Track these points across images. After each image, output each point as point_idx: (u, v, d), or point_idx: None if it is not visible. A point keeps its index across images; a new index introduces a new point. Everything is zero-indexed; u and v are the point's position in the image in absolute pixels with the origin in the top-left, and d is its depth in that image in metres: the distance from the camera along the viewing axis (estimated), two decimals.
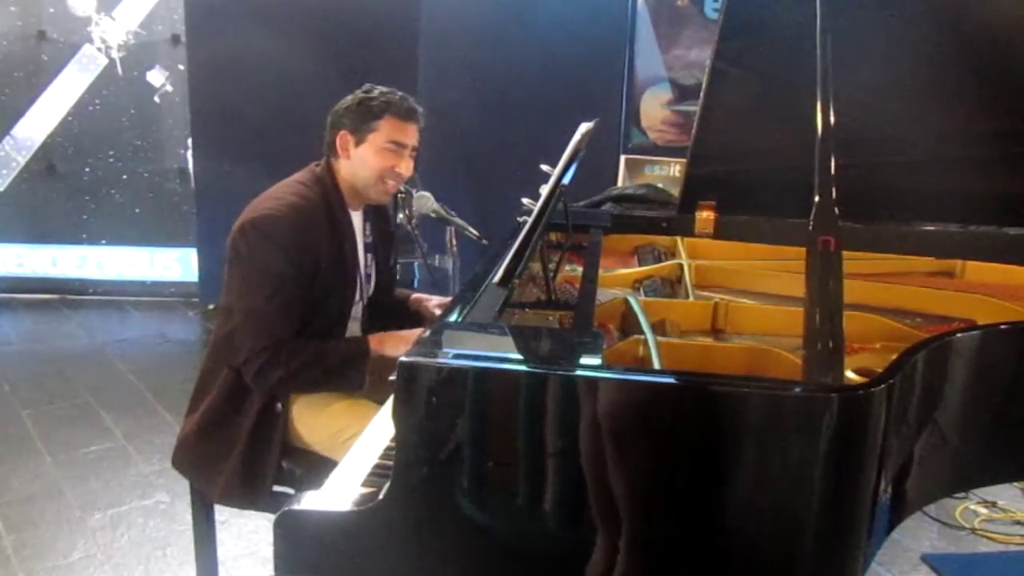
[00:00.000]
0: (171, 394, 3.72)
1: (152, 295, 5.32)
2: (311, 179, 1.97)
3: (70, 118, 5.08)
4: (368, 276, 2.09)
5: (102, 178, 5.18)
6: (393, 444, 1.26)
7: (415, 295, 2.29)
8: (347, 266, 1.97)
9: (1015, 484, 3.00)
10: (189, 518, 2.12)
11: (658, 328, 1.66)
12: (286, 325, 1.85)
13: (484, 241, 2.35)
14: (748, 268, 2.15)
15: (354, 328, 2.06)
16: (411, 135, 1.97)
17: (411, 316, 2.21)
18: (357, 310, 2.06)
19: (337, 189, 1.97)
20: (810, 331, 1.30)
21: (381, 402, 1.87)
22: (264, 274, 1.84)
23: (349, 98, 1.96)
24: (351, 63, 4.22)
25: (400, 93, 1.96)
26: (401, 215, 2.35)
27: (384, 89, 1.96)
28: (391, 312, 2.18)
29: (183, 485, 2.09)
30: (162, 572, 2.48)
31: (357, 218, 2.04)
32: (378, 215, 2.14)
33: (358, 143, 1.93)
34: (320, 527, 1.26)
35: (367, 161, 1.94)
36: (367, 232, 2.09)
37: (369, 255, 2.10)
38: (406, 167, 1.97)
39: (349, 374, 1.87)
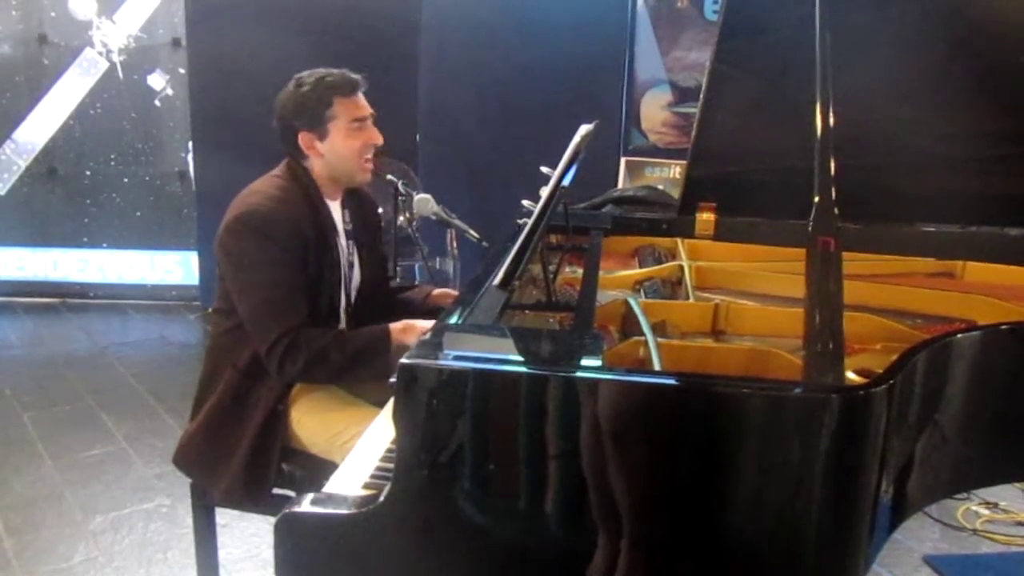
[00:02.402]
0: (172, 397, 3.72)
1: (153, 298, 5.32)
2: (286, 173, 1.97)
3: (71, 121, 5.09)
4: (351, 264, 2.08)
5: (103, 181, 5.18)
6: (393, 446, 1.26)
7: (438, 290, 2.28)
8: (333, 255, 1.97)
9: (1017, 485, 3.00)
10: (190, 521, 2.12)
11: (658, 329, 1.66)
12: (297, 311, 1.84)
13: (484, 243, 2.35)
14: (748, 269, 2.15)
15: (344, 320, 2.06)
16: (364, 106, 1.98)
17: (433, 312, 2.18)
18: (344, 301, 2.05)
19: (312, 181, 1.97)
20: (810, 332, 1.30)
21: (380, 405, 1.87)
22: (262, 266, 1.84)
23: (285, 98, 1.95)
24: (352, 66, 4.21)
25: (333, 71, 1.96)
26: (401, 217, 2.35)
27: (316, 73, 1.95)
28: (388, 308, 2.18)
29: (184, 488, 2.09)
30: (163, 575, 2.48)
31: (335, 207, 2.04)
32: (356, 203, 2.13)
33: (322, 137, 1.94)
34: (321, 529, 1.25)
35: (339, 150, 1.95)
36: (346, 220, 2.09)
37: (351, 242, 2.09)
38: (376, 136, 1.99)
39: (371, 362, 1.85)
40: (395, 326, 1.90)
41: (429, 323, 1.87)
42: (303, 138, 1.94)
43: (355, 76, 1.97)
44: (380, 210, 2.29)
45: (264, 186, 1.93)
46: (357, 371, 1.89)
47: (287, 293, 1.84)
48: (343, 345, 1.86)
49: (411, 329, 1.88)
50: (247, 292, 1.87)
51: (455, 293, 2.23)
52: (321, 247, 1.94)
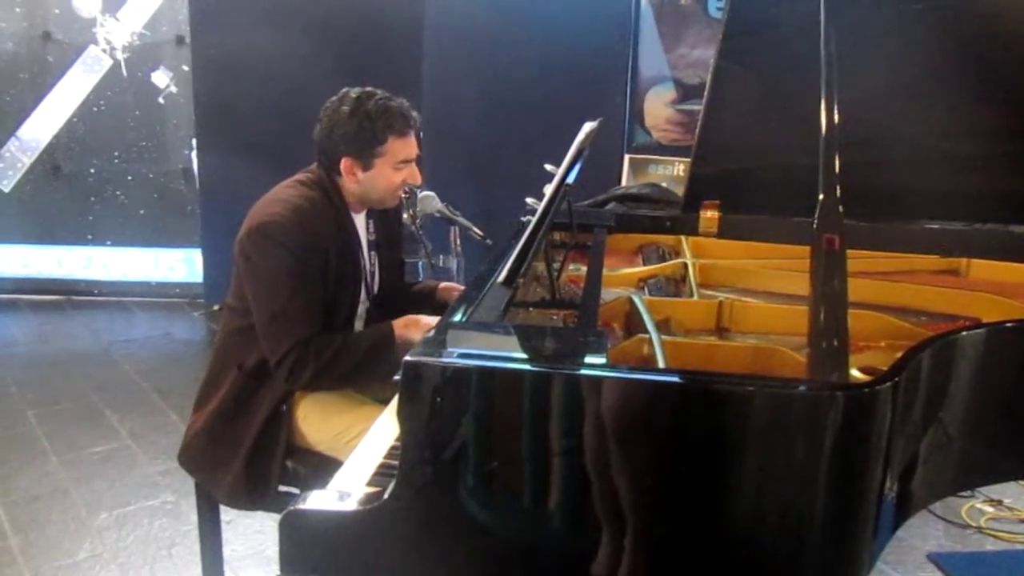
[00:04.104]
0: (176, 394, 3.73)
1: (157, 295, 5.33)
2: (312, 181, 1.96)
3: (75, 119, 5.09)
4: (372, 274, 2.09)
5: (107, 179, 5.19)
6: (398, 444, 1.26)
7: (443, 284, 2.29)
8: (354, 266, 1.98)
9: (1021, 482, 2.99)
10: (195, 518, 2.13)
11: (662, 327, 1.66)
12: (310, 324, 1.85)
13: (488, 241, 2.35)
14: (752, 267, 2.14)
15: (358, 326, 2.07)
16: (414, 147, 1.96)
17: (438, 307, 2.18)
18: (361, 308, 2.06)
19: (339, 194, 1.97)
20: (815, 330, 1.30)
21: (385, 402, 1.88)
22: (279, 277, 1.84)
23: (339, 119, 1.88)
24: (356, 63, 4.22)
25: (396, 102, 1.91)
26: (405, 215, 2.35)
27: (379, 100, 1.89)
28: (401, 307, 2.18)
29: (189, 485, 2.10)
30: (168, 572, 2.48)
31: (360, 219, 2.04)
32: (381, 212, 2.14)
33: (366, 168, 1.92)
34: (325, 527, 1.26)
35: (378, 184, 1.94)
36: (370, 231, 2.09)
37: (373, 253, 2.10)
38: (416, 176, 1.99)
39: (378, 361, 1.87)
40: (398, 322, 1.91)
41: (432, 318, 1.89)
42: (345, 163, 1.91)
43: (413, 113, 1.93)
44: (404, 217, 2.30)
45: (289, 194, 1.91)
46: (365, 373, 1.91)
47: (302, 306, 1.85)
48: (350, 350, 1.87)
49: (414, 324, 1.89)
50: (263, 301, 1.87)
51: (460, 287, 2.23)
52: (342, 261, 1.94)
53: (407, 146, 1.94)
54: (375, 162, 1.91)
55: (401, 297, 2.23)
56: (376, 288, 2.12)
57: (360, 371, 1.90)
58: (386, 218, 2.15)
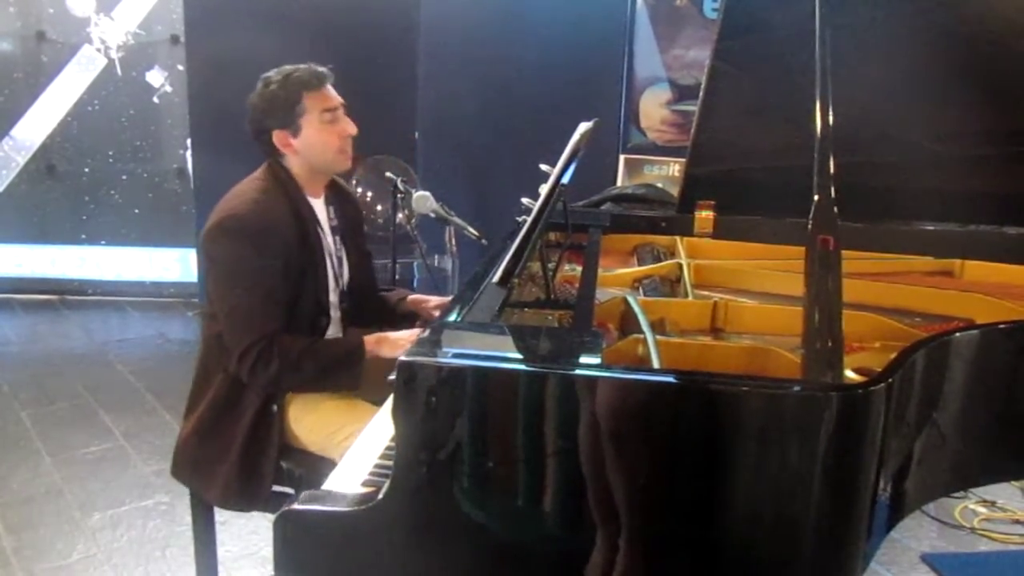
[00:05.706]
0: (170, 394, 3.72)
1: (151, 295, 5.32)
2: (266, 174, 1.97)
3: (69, 118, 5.08)
4: (340, 260, 2.08)
5: (101, 178, 5.18)
6: (393, 443, 1.26)
7: (412, 296, 2.28)
8: (316, 252, 1.97)
9: (1015, 483, 3.00)
10: (189, 519, 2.12)
11: (657, 327, 1.66)
12: (272, 317, 1.85)
13: (483, 241, 2.35)
14: (747, 267, 2.15)
15: (335, 328, 2.06)
16: (333, 97, 1.96)
17: (408, 316, 2.21)
18: (336, 297, 2.06)
19: (293, 180, 1.97)
20: (809, 330, 1.30)
21: (377, 402, 1.88)
22: (239, 271, 1.85)
23: (255, 99, 1.93)
24: (351, 63, 4.19)
25: (299, 66, 1.94)
26: (400, 215, 2.35)
27: (282, 71, 1.93)
28: (379, 305, 2.18)
29: (183, 486, 2.09)
30: (162, 573, 2.48)
31: (319, 204, 2.04)
32: (340, 199, 2.13)
33: (295, 133, 1.93)
34: (319, 527, 1.26)
35: (314, 144, 1.94)
36: (331, 216, 2.09)
37: (338, 238, 2.09)
38: (350, 126, 1.98)
39: (344, 373, 1.87)
40: (369, 338, 1.90)
41: (404, 333, 1.89)
42: (277, 136, 1.93)
43: (321, 69, 1.95)
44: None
45: (245, 189, 1.94)
46: (328, 381, 1.92)
47: (262, 299, 1.85)
48: (317, 355, 1.87)
49: (384, 341, 1.89)
50: (224, 296, 1.87)
51: (434, 300, 2.23)
52: (304, 249, 1.93)
53: (325, 97, 1.94)
54: (300, 122, 1.92)
55: (373, 296, 2.22)
56: (346, 276, 2.11)
57: (324, 378, 1.90)
58: (345, 205, 2.14)
